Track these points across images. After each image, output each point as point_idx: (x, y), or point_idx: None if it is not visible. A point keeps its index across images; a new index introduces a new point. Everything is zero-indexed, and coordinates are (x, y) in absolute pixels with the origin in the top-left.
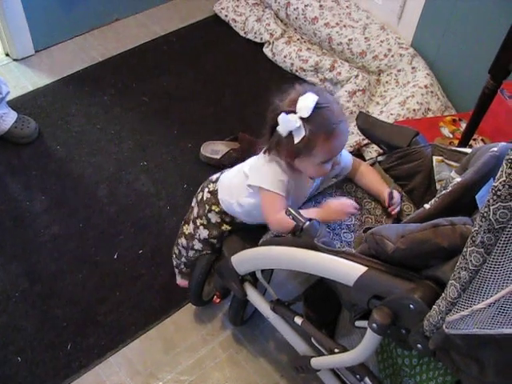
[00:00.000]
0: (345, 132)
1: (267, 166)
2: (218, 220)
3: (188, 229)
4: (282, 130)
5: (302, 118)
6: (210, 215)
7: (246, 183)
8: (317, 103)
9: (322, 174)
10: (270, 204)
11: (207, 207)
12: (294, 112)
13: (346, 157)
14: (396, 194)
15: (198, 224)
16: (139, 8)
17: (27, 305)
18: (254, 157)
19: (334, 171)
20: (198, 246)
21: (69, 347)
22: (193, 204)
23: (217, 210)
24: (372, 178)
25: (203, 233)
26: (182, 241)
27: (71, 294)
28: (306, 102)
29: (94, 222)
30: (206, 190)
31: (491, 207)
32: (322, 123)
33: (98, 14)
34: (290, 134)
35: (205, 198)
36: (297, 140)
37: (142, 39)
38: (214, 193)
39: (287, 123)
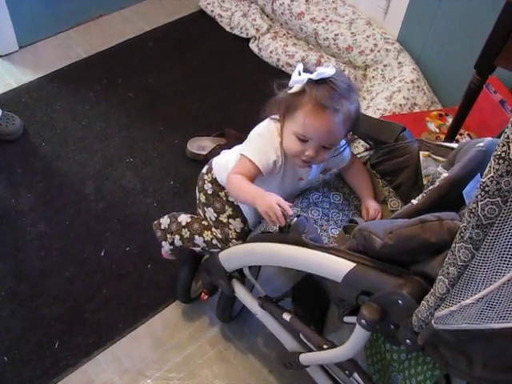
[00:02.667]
0: (331, 124)
1: (261, 138)
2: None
3: (213, 233)
4: (291, 80)
5: (309, 79)
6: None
7: (239, 153)
8: (329, 76)
9: (295, 151)
10: (241, 165)
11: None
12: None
13: (345, 151)
14: (372, 212)
15: (225, 220)
16: (124, 4)
17: (14, 304)
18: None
19: (328, 164)
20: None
21: (56, 346)
22: (200, 211)
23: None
24: (360, 181)
25: (237, 224)
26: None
27: (58, 293)
28: (321, 69)
29: (81, 220)
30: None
31: (479, 203)
32: (317, 94)
33: (82, 9)
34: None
35: (210, 192)
36: (292, 90)
37: (127, 35)
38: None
39: (296, 75)
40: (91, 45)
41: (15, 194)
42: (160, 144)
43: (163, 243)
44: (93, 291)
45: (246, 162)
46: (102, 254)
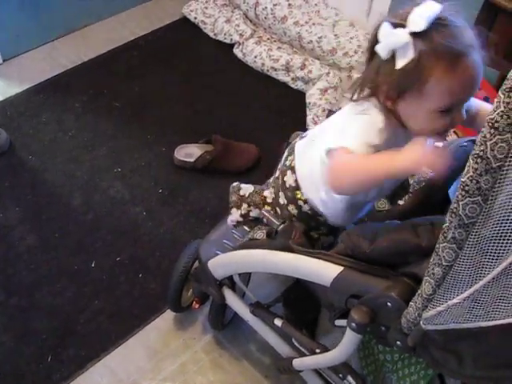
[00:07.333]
0: (476, 66)
1: (357, 122)
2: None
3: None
4: (383, 48)
5: (412, 34)
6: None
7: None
8: (439, 16)
9: (438, 128)
10: (337, 158)
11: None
12: (404, 26)
13: None
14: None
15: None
16: (108, 13)
17: (5, 318)
18: (340, 113)
19: None
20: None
21: (49, 359)
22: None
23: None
24: None
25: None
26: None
27: (49, 305)
28: (423, 11)
29: (70, 231)
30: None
31: (460, 203)
32: (442, 43)
33: (65, 20)
34: (393, 57)
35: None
36: (400, 64)
37: (111, 44)
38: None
39: (389, 37)
40: (76, 55)
41: (3, 207)
42: (147, 152)
43: (233, 210)
44: (84, 303)
45: (343, 154)
46: (93, 265)
